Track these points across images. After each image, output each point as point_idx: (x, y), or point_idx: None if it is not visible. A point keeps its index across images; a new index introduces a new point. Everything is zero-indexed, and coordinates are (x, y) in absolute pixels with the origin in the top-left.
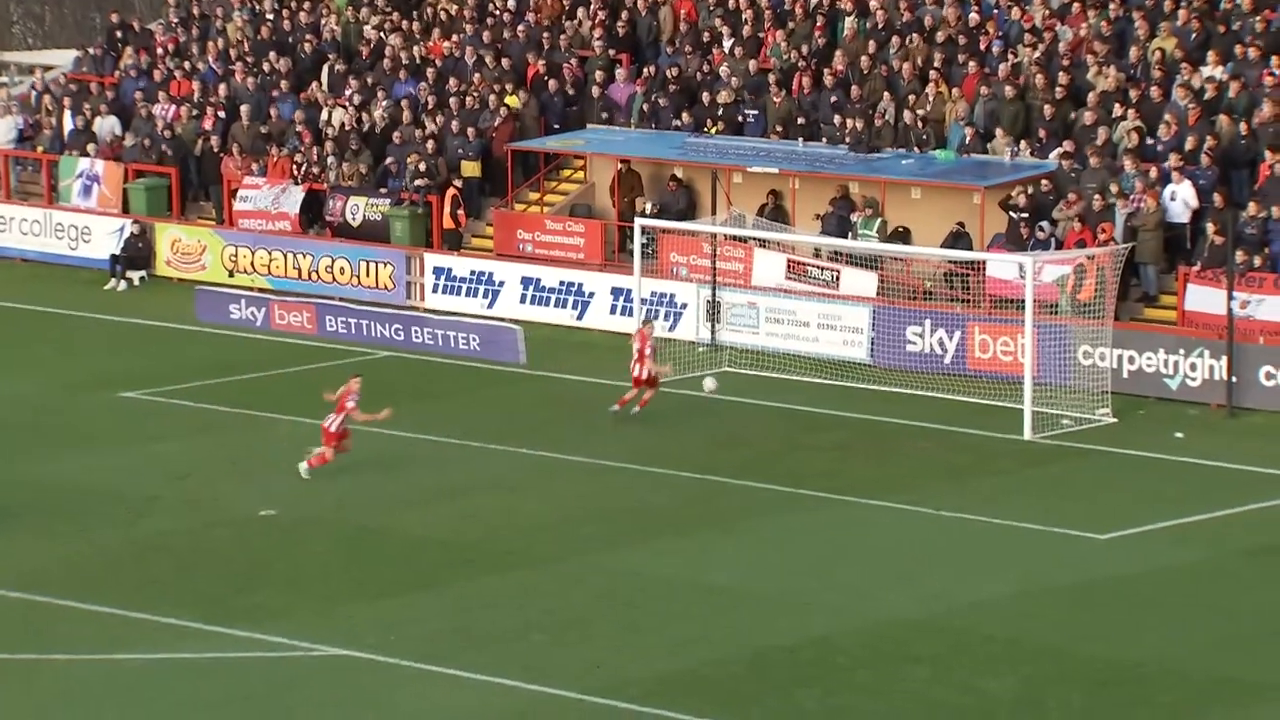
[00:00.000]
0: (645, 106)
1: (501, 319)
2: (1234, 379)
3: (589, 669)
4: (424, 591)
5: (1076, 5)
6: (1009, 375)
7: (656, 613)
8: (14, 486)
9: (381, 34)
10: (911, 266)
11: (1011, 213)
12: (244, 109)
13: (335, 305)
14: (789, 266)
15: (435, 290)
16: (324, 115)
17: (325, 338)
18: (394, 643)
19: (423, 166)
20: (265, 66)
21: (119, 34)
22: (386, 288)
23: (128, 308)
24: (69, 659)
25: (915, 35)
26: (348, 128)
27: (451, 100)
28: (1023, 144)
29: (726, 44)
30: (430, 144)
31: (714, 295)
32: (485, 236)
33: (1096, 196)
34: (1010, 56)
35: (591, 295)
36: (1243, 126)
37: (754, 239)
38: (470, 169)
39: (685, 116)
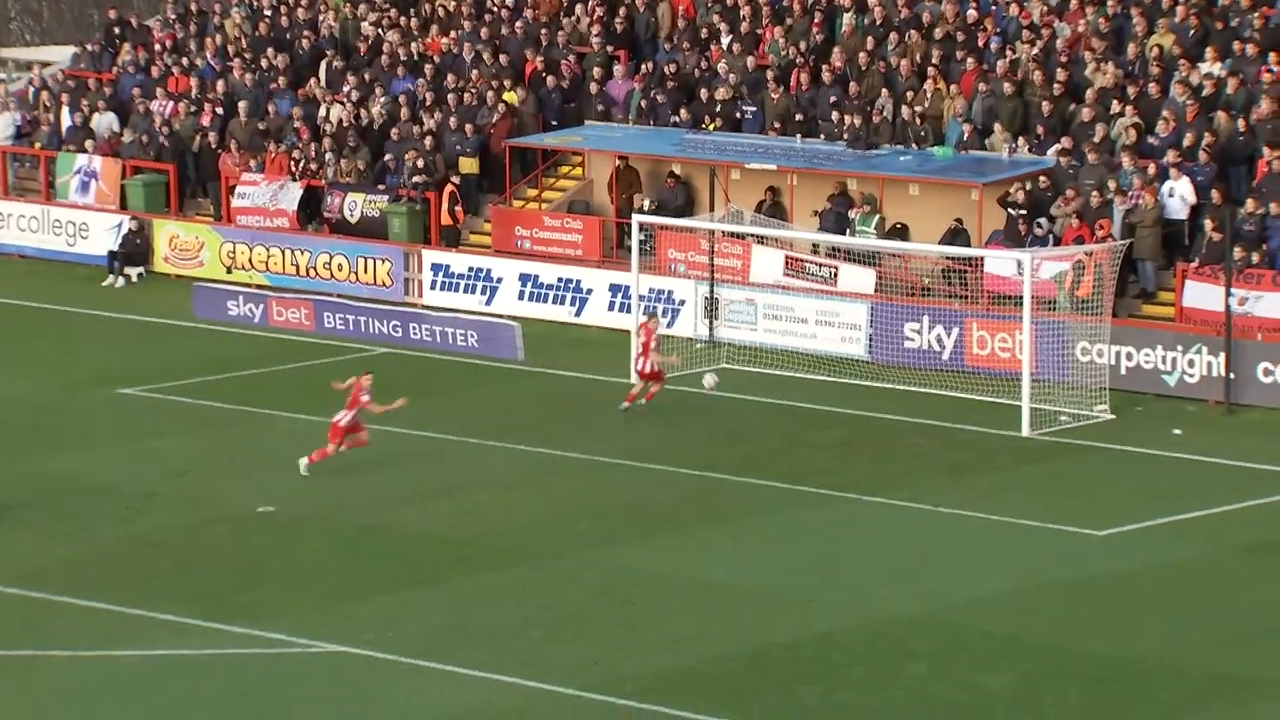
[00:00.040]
0: (643, 103)
1: (499, 315)
2: (1232, 375)
3: (586, 666)
4: (422, 588)
5: (1074, 2)
6: (1007, 372)
7: (655, 609)
8: (12, 483)
9: (379, 30)
10: (909, 263)
11: (1010, 210)
12: (242, 105)
13: (333, 302)
14: (787, 263)
15: (433, 287)
16: (322, 111)
17: (323, 334)
18: (392, 639)
19: (421, 163)
20: (263, 63)
21: (117, 30)
22: (384, 284)
23: (125, 304)
24: (67, 655)
25: (913, 32)
26: (346, 124)
27: (449, 97)
28: (1021, 141)
29: (725, 40)
30: (428, 140)
31: (712, 292)
32: (483, 233)
33: (1095, 193)
34: (1008, 53)
35: (589, 292)
36: (1241, 123)
37: (752, 235)
38: (468, 165)
39: (683, 113)
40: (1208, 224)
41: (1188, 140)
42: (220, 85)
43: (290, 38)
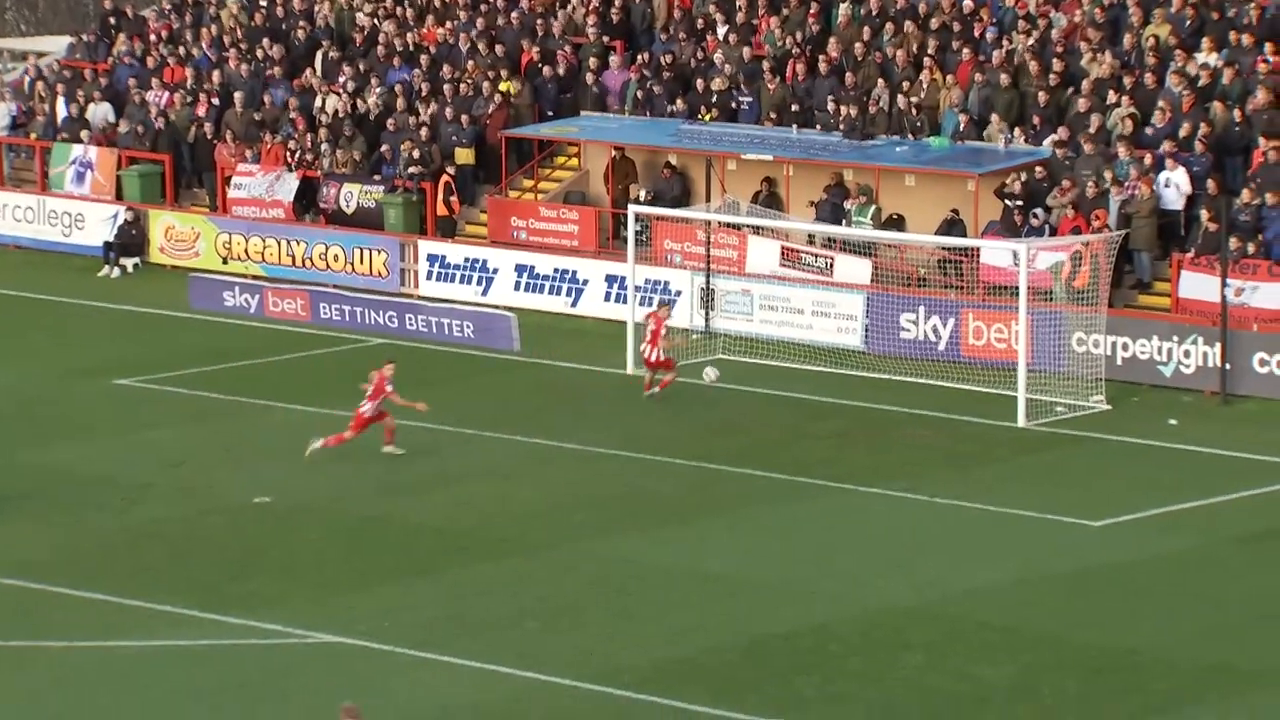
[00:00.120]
0: (639, 93)
1: (496, 306)
2: (1227, 366)
3: (583, 656)
4: (418, 579)
5: None
6: (1003, 362)
7: (652, 600)
8: (8, 473)
9: (375, 20)
10: (906, 253)
11: (1006, 201)
12: (237, 96)
13: (329, 292)
14: (783, 253)
15: (429, 277)
16: (318, 102)
17: (319, 325)
18: (388, 630)
19: (416, 154)
20: (259, 53)
21: (112, 20)
22: (380, 275)
23: (121, 295)
24: (63, 646)
25: (909, 22)
26: (341, 115)
27: (445, 87)
28: (1017, 131)
29: (721, 31)
30: (424, 131)
31: (708, 282)
32: (479, 224)
33: (1090, 183)
34: (1005, 43)
35: (585, 282)
36: (1237, 113)
37: (748, 226)
38: (464, 156)
39: (679, 103)
40: (1203, 214)
41: (1184, 130)
42: (216, 76)
43: (286, 28)
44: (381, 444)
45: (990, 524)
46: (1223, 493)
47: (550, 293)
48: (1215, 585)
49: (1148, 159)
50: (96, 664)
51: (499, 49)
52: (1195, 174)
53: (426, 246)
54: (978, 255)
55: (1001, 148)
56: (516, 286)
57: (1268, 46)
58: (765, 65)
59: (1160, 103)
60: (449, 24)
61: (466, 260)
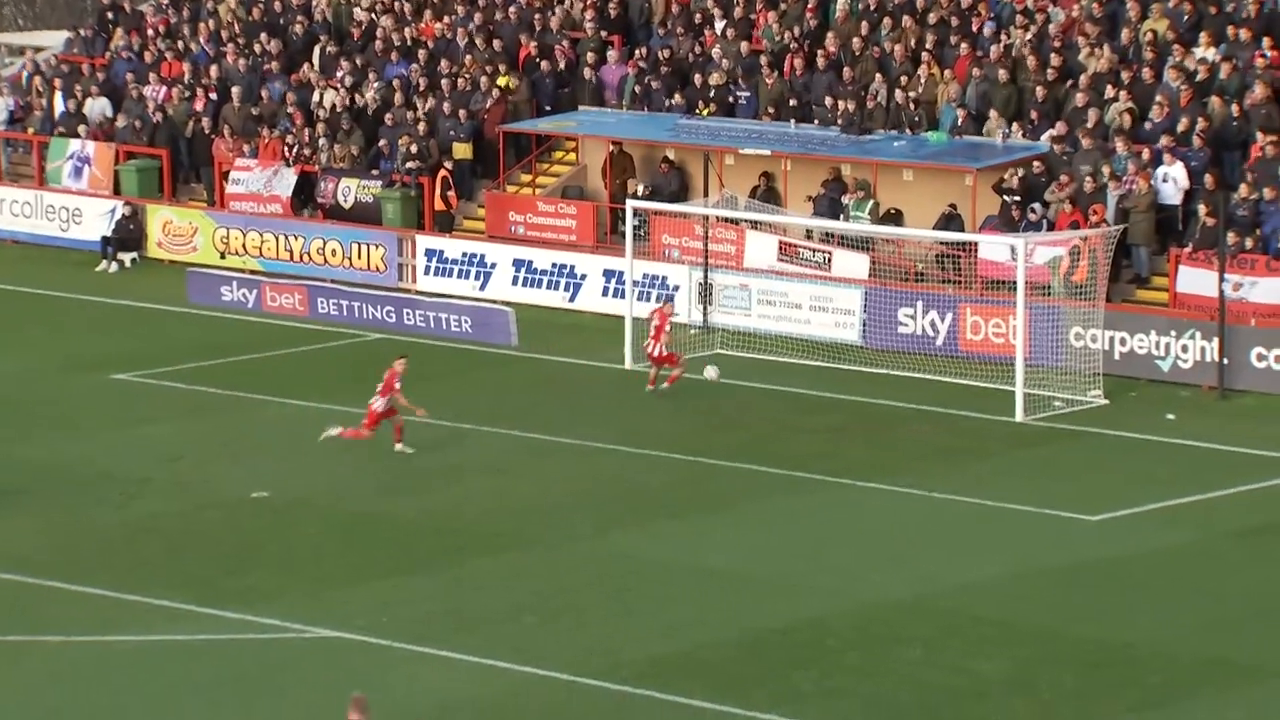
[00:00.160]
0: (637, 88)
1: (493, 301)
2: (1225, 361)
3: (580, 651)
4: (415, 573)
5: None
6: (1001, 357)
7: (650, 595)
8: (5, 468)
9: (373, 15)
10: (903, 248)
11: (1004, 196)
12: (235, 90)
13: (327, 287)
14: (781, 248)
15: (427, 272)
16: (315, 97)
17: (317, 320)
18: (385, 625)
19: (414, 148)
20: (256, 48)
21: (110, 15)
22: (378, 270)
23: (119, 289)
24: (61, 641)
25: (907, 16)
26: (339, 109)
27: (443, 82)
28: (1015, 126)
29: (718, 25)
30: (422, 126)
31: (706, 277)
32: (477, 219)
33: (1088, 178)
34: (1002, 38)
35: (583, 277)
36: (1234, 108)
37: (746, 221)
38: (462, 151)
39: (677, 98)
40: (1201, 209)
41: (1181, 125)
42: (214, 70)
43: (284, 23)
44: (392, 442)
45: (987, 518)
46: (1220, 487)
47: (548, 287)
48: (1212, 580)
49: (1145, 154)
50: (94, 659)
51: (497, 44)
52: (1193, 169)
53: (424, 241)
54: (975, 250)
55: (999, 143)
56: (514, 281)
57: (1265, 41)
58: (763, 60)
59: (1158, 97)
60: (447, 19)
61: (464, 255)
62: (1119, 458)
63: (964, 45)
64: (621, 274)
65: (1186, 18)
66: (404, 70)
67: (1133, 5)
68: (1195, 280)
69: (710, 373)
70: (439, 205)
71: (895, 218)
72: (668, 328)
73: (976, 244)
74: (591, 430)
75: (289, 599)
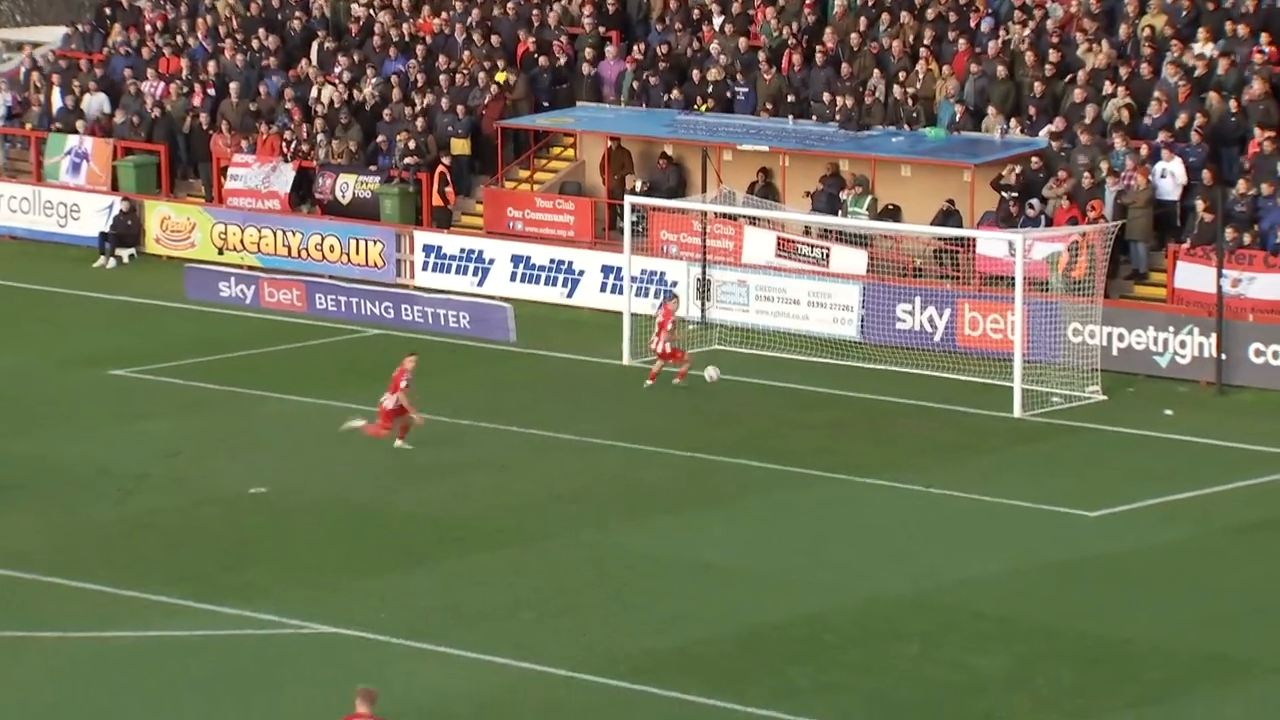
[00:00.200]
0: (635, 84)
1: (491, 297)
2: (1223, 356)
3: (578, 647)
4: (414, 569)
5: None
6: (999, 353)
7: (647, 590)
8: (3, 464)
9: (371, 11)
10: (901, 244)
11: (1002, 193)
12: (233, 86)
13: (325, 283)
14: (779, 244)
15: (425, 268)
16: (313, 93)
17: (315, 315)
18: (384, 620)
19: (412, 144)
20: (254, 44)
21: (108, 11)
22: (376, 265)
23: (117, 285)
24: (58, 636)
25: (905, 12)
26: (337, 105)
27: (441, 78)
28: (1013, 122)
29: (716, 21)
30: (420, 121)
31: (704, 273)
32: (475, 214)
33: (1086, 174)
34: (1001, 34)
35: (581, 273)
36: (1233, 104)
37: (744, 217)
38: (460, 147)
39: (675, 94)
40: (1199, 205)
41: (1180, 121)
42: (211, 66)
43: (281, 18)
44: (393, 438)
45: (986, 514)
46: (1218, 483)
47: (546, 283)
48: (1211, 575)
49: (1144, 150)
50: (91, 655)
51: (495, 39)
52: (1191, 165)
53: (422, 237)
54: (973, 246)
55: (997, 138)
56: (512, 277)
57: (1264, 37)
58: (761, 56)
59: (1156, 93)
60: (445, 14)
61: (462, 251)
62: (1117, 453)
63: (962, 41)
64: (620, 270)
65: (1185, 13)
66: (402, 66)
67: (1131, 1)
68: (1193, 276)
69: (710, 373)
70: (436, 201)
71: (893, 213)
72: (670, 325)
73: (974, 240)
74: (590, 426)
75: (287, 595)
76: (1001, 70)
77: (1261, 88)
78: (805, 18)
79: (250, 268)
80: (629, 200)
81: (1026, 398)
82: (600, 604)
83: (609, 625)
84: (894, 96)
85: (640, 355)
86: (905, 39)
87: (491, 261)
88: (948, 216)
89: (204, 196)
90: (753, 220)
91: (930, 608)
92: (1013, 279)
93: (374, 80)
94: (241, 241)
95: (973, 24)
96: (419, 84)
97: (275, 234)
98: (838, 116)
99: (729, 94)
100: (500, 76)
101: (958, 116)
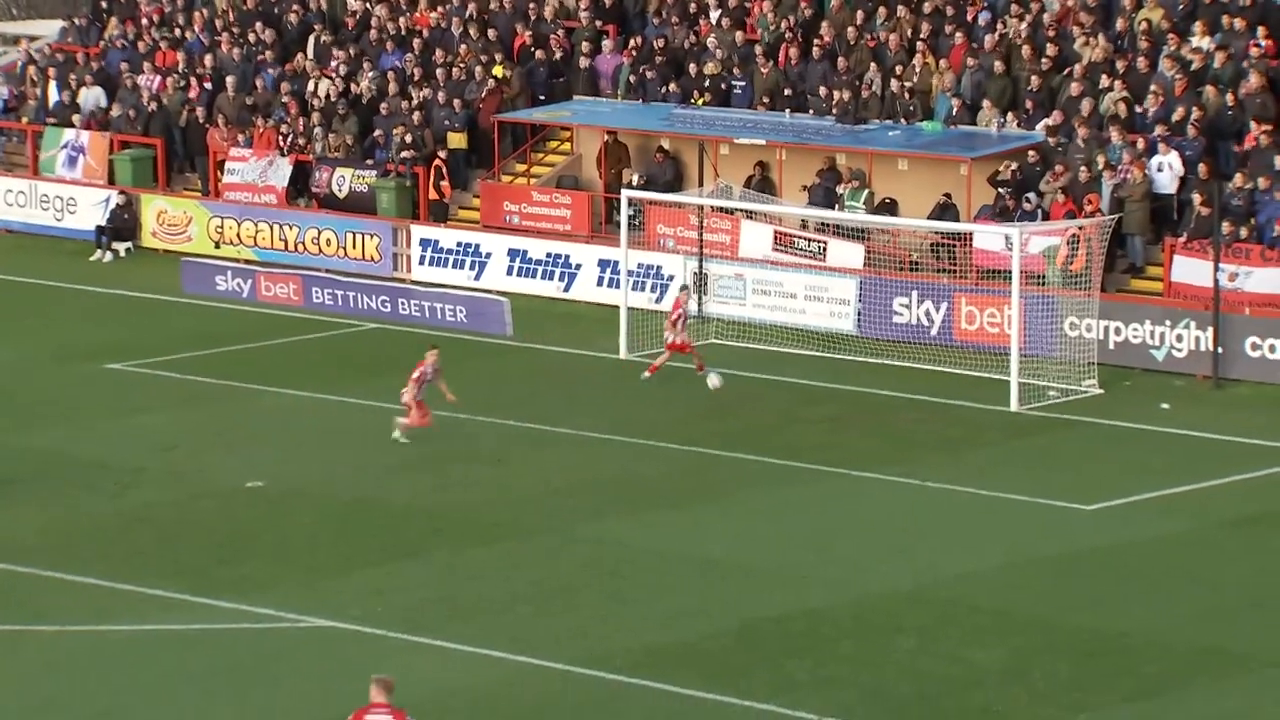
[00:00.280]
0: (632, 78)
1: (488, 291)
2: (1220, 350)
3: (576, 640)
4: (410, 563)
5: None
6: (995, 347)
7: (645, 584)
8: (0, 458)
9: (367, 5)
10: (898, 238)
11: (1000, 189)
12: (229, 80)
13: (322, 277)
14: (776, 238)
15: (422, 262)
16: (310, 86)
17: (311, 309)
18: (380, 614)
19: (409, 138)
20: (251, 37)
21: (104, 4)
22: (373, 259)
23: (113, 279)
24: (55, 630)
25: (902, 6)
26: (334, 99)
27: (438, 71)
28: (1010, 115)
29: (713, 15)
30: (417, 115)
31: (701, 267)
32: (472, 208)
33: (1083, 168)
34: (998, 27)
35: (578, 267)
36: (1229, 97)
37: (741, 210)
38: (456, 140)
39: (672, 87)
40: (1196, 199)
41: (1176, 115)
42: (208, 59)
43: (278, 12)
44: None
45: (982, 508)
46: (1215, 477)
47: (543, 277)
48: (1207, 569)
49: (1140, 143)
50: (88, 648)
51: (491, 33)
52: (1188, 158)
53: (419, 231)
54: (970, 240)
55: (994, 132)
56: (509, 271)
57: (1260, 30)
58: (758, 49)
59: (1153, 87)
60: (441, 8)
61: (459, 245)
62: (1114, 447)
63: (959, 35)
64: (616, 264)
65: (1181, 7)
66: (399, 60)
67: None
68: (1190, 270)
69: (713, 380)
70: (431, 195)
71: (890, 207)
72: (674, 317)
73: (971, 234)
74: (587, 420)
75: (283, 588)
76: (998, 64)
77: (1258, 81)
78: (802, 11)
79: (247, 261)
80: (626, 194)
81: (1023, 392)
82: (597, 598)
83: (606, 619)
84: (891, 90)
85: (637, 349)
86: (902, 33)
87: (488, 255)
88: (944, 210)
89: (200, 190)
90: (750, 214)
91: (927, 601)
92: (1009, 273)
93: (370, 74)
94: (238, 235)
95: (969, 18)
96: (415, 78)
97: (272, 228)
98: (834, 110)
99: (726, 88)
100: (497, 70)
101: (954, 110)
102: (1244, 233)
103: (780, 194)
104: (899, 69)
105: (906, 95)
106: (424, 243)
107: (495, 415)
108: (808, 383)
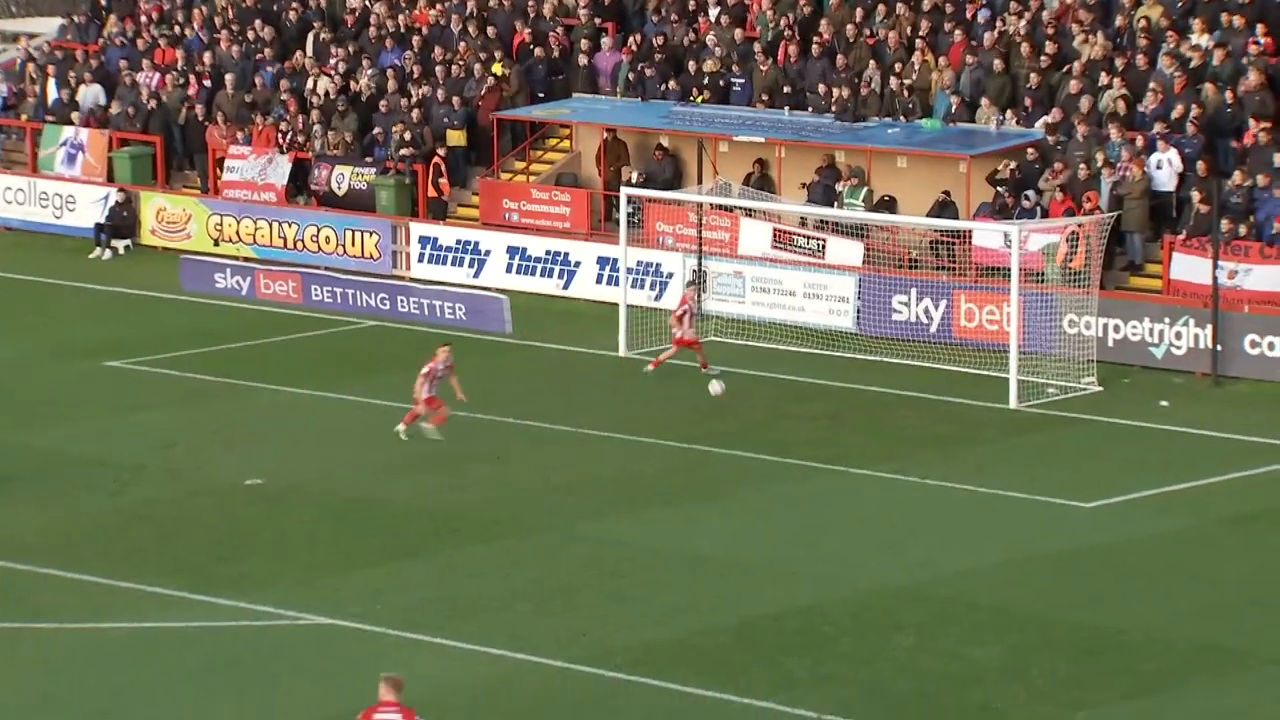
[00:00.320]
0: (631, 75)
1: (487, 288)
2: (1218, 347)
3: (574, 638)
4: (409, 560)
5: None
6: (994, 344)
7: (643, 582)
8: None
9: (366, 2)
10: (897, 235)
11: (999, 188)
12: (229, 77)
13: (321, 274)
14: (775, 236)
15: (421, 259)
16: (309, 84)
17: (311, 307)
18: (379, 612)
19: (408, 135)
20: (250, 34)
21: (103, 2)
22: (372, 257)
23: (112, 277)
24: (54, 627)
25: (901, 3)
26: (333, 96)
27: (437, 69)
28: (1009, 113)
29: (712, 12)
30: (416, 113)
31: (700, 264)
32: (471, 206)
33: (1082, 165)
34: (997, 25)
35: (577, 265)
36: (1228, 95)
37: (740, 208)
38: (455, 138)
39: (671, 85)
40: (1195, 196)
41: (1175, 112)
42: (207, 57)
43: (277, 9)
44: (394, 423)
45: (981, 505)
46: (1214, 474)
47: (542, 275)
48: (1206, 566)
49: (1139, 141)
50: (87, 646)
51: (490, 31)
52: (1187, 156)
53: (418, 229)
54: (969, 237)
55: (993, 130)
56: (508, 268)
57: (1259, 28)
58: (757, 47)
59: (1152, 84)
60: (440, 6)
61: (458, 242)
62: (1113, 445)
63: (958, 32)
64: (615, 261)
65: (1180, 4)
66: (398, 57)
67: None
68: (1189, 267)
69: (715, 388)
70: (432, 192)
71: (889, 205)
72: (680, 312)
73: (970, 231)
74: (586, 417)
75: (282, 586)
76: (997, 62)
77: (1257, 79)
78: (801, 9)
79: (246, 259)
80: (625, 191)
81: (1022, 389)
82: (596, 595)
83: (605, 617)
84: (890, 88)
85: (636, 346)
86: (901, 30)
87: (487, 253)
88: (943, 208)
89: (199, 188)
90: (749, 211)
91: (926, 599)
92: (1008, 270)
93: (370, 71)
94: (237, 233)
95: (968, 15)
96: (415, 75)
97: (271, 225)
98: (833, 108)
99: (725, 85)
100: (496, 68)
101: (953, 108)
102: (1243, 230)
103: (779, 191)
104: (898, 66)
105: (905, 93)
106: (423, 240)
107: (494, 413)
108: (806, 380)
